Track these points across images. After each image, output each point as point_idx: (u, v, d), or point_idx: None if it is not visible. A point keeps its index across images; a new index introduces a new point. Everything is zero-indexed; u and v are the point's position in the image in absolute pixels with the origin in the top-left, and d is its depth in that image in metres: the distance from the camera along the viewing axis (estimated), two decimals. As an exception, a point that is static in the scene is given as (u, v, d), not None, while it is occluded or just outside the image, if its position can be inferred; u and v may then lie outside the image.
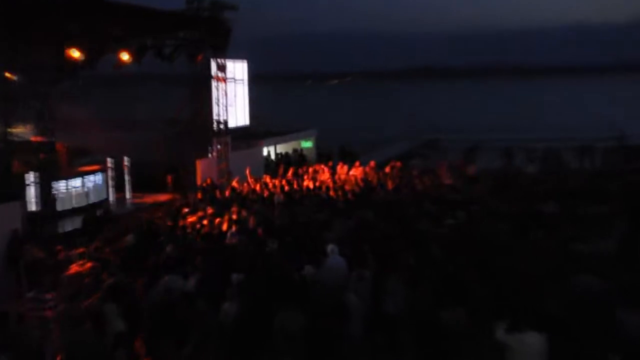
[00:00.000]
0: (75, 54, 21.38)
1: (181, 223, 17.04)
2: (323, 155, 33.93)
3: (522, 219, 15.34)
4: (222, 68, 26.07)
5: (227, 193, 21.52)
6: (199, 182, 25.12)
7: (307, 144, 36.41)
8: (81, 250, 14.38)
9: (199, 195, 21.62)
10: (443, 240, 13.43)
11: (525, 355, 7.80)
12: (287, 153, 34.41)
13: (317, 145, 36.93)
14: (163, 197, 25.09)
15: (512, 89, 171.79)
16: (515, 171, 24.73)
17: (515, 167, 26.08)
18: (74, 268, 12.83)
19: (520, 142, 39.19)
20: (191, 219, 17.37)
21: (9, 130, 22.76)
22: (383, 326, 9.20)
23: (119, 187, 25.78)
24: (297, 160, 31.96)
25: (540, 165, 28.83)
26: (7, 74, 19.09)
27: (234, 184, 22.50)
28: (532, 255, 11.72)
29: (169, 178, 26.64)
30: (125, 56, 23.76)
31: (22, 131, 23.74)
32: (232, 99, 28.12)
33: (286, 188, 21.29)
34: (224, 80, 26.30)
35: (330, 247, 11.74)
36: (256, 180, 22.99)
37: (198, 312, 9.34)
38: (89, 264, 12.98)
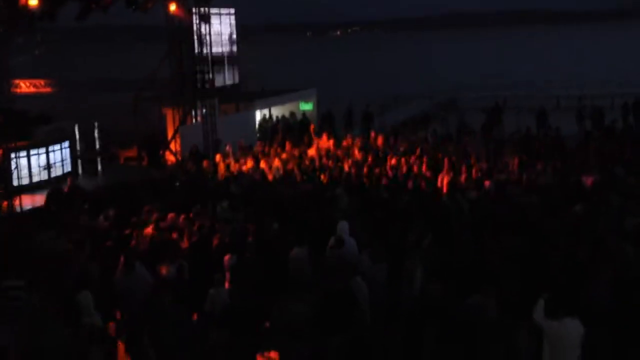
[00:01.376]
0: (33, 2, 21.11)
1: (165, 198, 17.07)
2: (325, 119, 33.77)
3: (559, 191, 15.35)
4: (205, 18, 25.88)
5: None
6: (181, 151, 25.11)
7: (307, 106, 36.21)
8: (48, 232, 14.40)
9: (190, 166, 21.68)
10: (466, 216, 13.47)
11: (564, 343, 7.88)
12: (284, 117, 34.30)
13: (319, 108, 36.78)
14: (140, 170, 25.07)
15: (548, 36, 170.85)
16: (549, 134, 24.63)
17: (550, 129, 25.92)
18: (40, 253, 12.89)
19: (555, 99, 39.08)
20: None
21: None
22: (397, 316, 9.28)
23: (87, 158, 25.74)
24: (297, 125, 31.84)
25: (580, 126, 28.72)
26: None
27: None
28: (572, 233, 11.73)
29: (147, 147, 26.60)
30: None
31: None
32: (219, 53, 27.97)
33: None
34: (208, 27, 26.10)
35: (340, 225, 11.75)
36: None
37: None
38: (57, 249, 13.03)
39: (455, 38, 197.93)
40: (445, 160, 19.24)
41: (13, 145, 19.38)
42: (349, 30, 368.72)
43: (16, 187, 20.17)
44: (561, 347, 7.85)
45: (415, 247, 11.15)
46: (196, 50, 26.11)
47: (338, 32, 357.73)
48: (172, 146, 26.21)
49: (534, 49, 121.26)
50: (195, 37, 26.05)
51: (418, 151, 21.43)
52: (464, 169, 18.33)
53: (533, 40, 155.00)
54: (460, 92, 46.48)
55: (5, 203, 18.33)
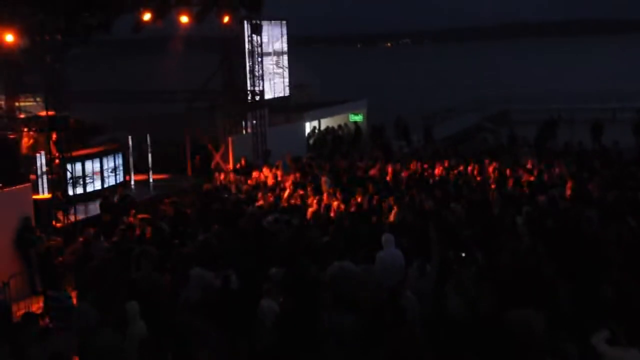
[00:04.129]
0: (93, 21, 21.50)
1: (213, 209, 17.28)
2: (376, 131, 33.80)
3: (614, 205, 15.06)
4: (256, 29, 26.14)
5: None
6: (231, 162, 25.34)
7: (356, 118, 36.28)
8: (101, 240, 14.71)
9: (232, 177, 21.83)
10: (519, 229, 13.29)
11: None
12: (333, 128, 34.41)
13: (369, 119, 36.80)
14: (190, 180, 25.41)
15: (604, 47, 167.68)
16: (605, 149, 24.20)
17: (605, 143, 25.49)
18: (94, 260, 13.15)
19: (611, 111, 38.38)
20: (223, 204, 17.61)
21: (15, 103, 23.35)
22: (445, 331, 9.19)
23: (140, 169, 26.22)
24: (348, 137, 31.91)
25: (637, 139, 28.14)
26: (10, 37, 19.27)
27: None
28: (628, 248, 11.50)
29: (197, 158, 26.91)
30: (146, 16, 23.81)
31: (29, 104, 24.33)
32: (269, 65, 28.21)
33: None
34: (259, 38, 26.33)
35: (385, 238, 11.69)
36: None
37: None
38: (110, 256, 13.29)
39: (507, 49, 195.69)
40: (496, 172, 19.09)
41: (69, 155, 19.77)
42: (399, 42, 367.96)
43: (71, 196, 20.60)
44: None
45: (466, 260, 11.04)
46: (247, 61, 26.37)
47: (388, 44, 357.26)
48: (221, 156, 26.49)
49: (590, 60, 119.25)
50: (247, 48, 26.32)
51: (467, 161, 21.42)
52: (513, 180, 18.18)
53: (589, 51, 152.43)
54: (512, 105, 46.05)
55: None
